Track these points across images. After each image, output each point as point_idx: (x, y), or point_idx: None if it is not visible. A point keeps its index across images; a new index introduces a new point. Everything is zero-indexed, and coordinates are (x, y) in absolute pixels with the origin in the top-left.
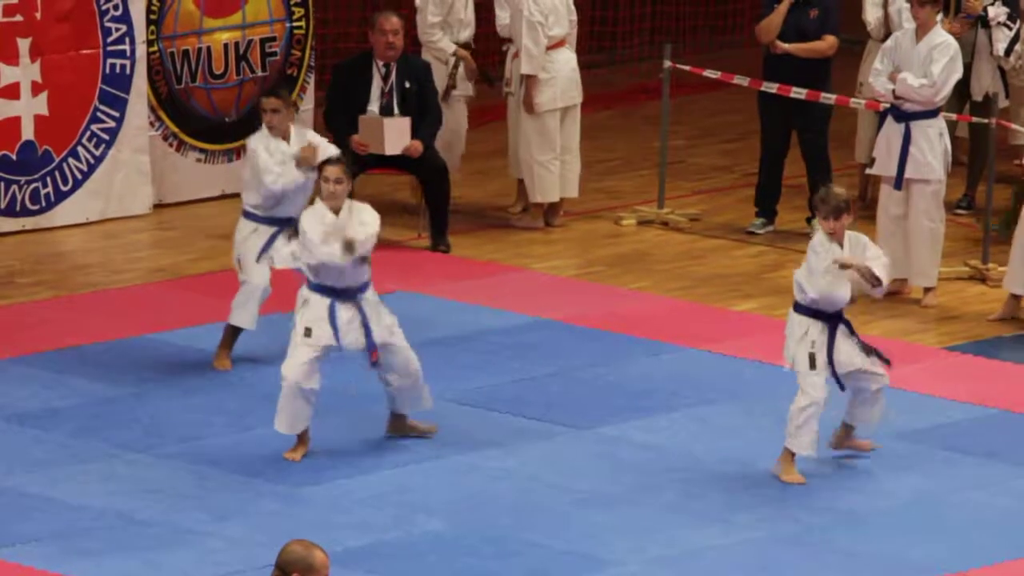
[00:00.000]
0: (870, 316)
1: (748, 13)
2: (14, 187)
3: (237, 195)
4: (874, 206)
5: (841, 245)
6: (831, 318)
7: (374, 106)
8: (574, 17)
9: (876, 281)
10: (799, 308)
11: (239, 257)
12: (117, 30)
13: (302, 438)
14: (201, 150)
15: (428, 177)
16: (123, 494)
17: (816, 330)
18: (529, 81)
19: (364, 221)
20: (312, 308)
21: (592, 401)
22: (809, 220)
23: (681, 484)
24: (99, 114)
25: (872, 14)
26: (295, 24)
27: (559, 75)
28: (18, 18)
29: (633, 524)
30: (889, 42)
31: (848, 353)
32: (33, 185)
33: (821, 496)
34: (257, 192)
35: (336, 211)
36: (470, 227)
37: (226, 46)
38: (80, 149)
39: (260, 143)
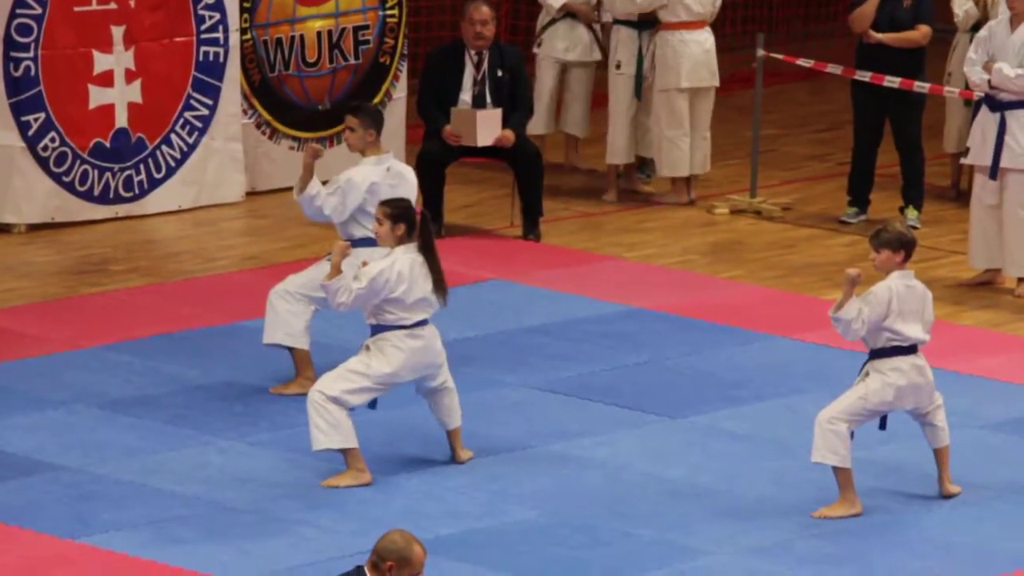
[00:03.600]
0: (962, 306)
1: (842, 2)
2: (107, 174)
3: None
4: (966, 196)
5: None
6: None
7: (466, 95)
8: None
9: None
10: None
11: None
12: (211, 18)
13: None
14: (294, 138)
15: (520, 165)
16: (216, 482)
17: None
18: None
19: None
20: None
21: (684, 390)
22: (902, 210)
23: (772, 473)
24: (192, 102)
25: (960, 6)
26: (388, 12)
27: (687, 55)
28: (112, 6)
29: (724, 513)
30: (983, 31)
31: None
32: (126, 172)
33: (914, 486)
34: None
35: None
36: (562, 215)
37: (319, 34)
38: (173, 137)
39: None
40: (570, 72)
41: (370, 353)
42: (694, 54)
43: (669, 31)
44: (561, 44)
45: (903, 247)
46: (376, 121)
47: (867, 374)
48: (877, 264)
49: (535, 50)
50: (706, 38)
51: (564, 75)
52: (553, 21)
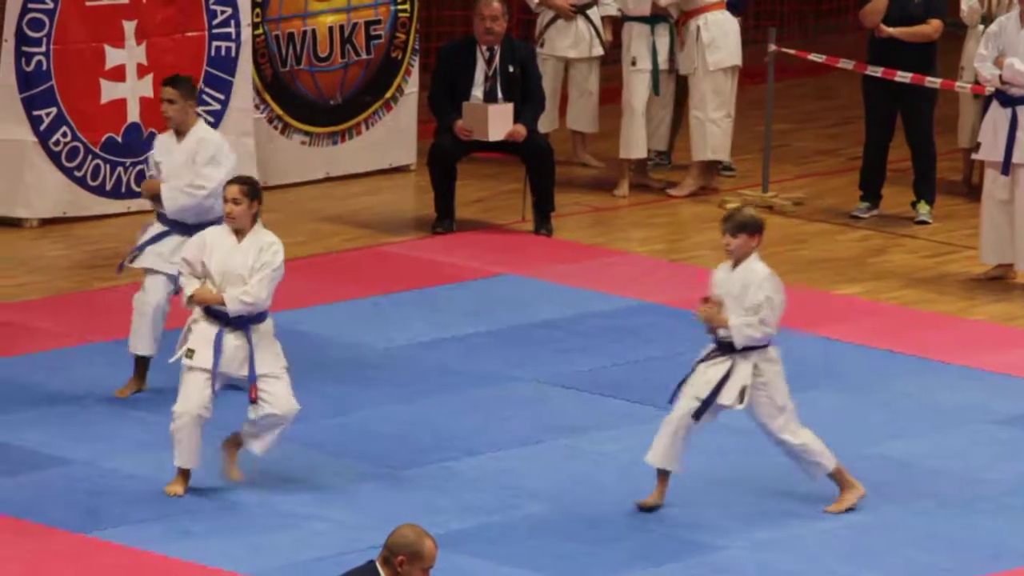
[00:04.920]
0: (974, 301)
1: None
2: (119, 169)
3: (342, 178)
4: (979, 191)
5: (734, 267)
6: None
7: (478, 90)
8: None
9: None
10: None
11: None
12: (222, 12)
13: (185, 472)
14: (305, 133)
15: (532, 159)
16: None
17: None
18: None
19: (264, 263)
20: (200, 330)
21: None
22: (914, 204)
23: (785, 468)
24: (204, 97)
25: (966, 2)
26: (400, 7)
27: (733, 33)
28: (124, 0)
29: (737, 508)
30: (993, 27)
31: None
32: (139, 167)
33: (925, 482)
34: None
35: (239, 236)
36: (573, 210)
37: (331, 29)
38: None
39: (161, 140)
40: (573, 68)
41: (277, 352)
42: (732, 33)
43: (710, 12)
44: (564, 42)
45: (758, 231)
46: (194, 92)
47: (756, 366)
48: (733, 249)
49: (538, 49)
50: (733, 18)
51: (566, 72)
52: (554, 19)
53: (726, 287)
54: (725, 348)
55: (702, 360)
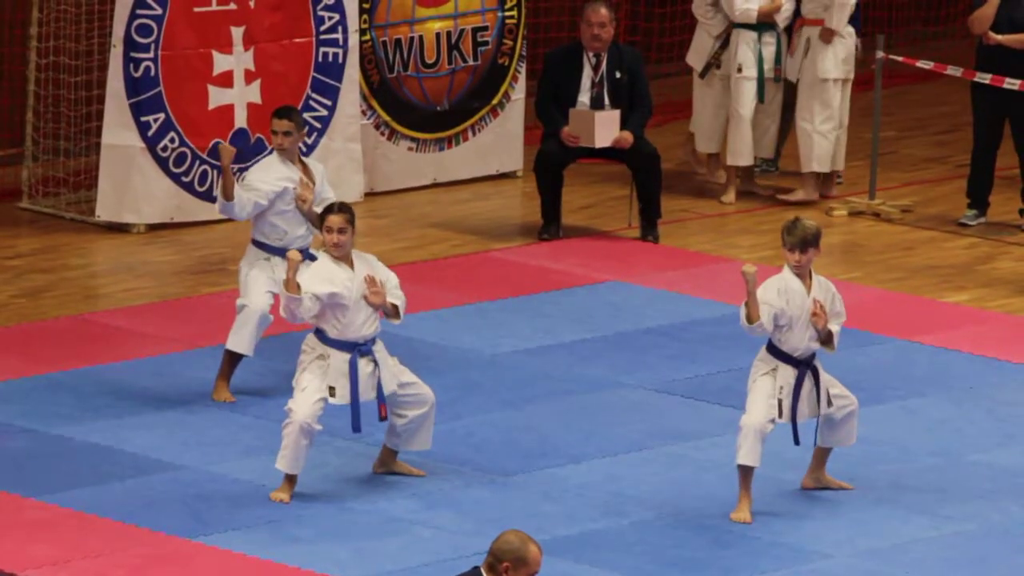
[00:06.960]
0: None
1: (961, 4)
2: None
3: (448, 184)
4: None
5: (807, 284)
6: (800, 364)
7: (584, 96)
8: None
9: (829, 346)
10: (770, 348)
11: (244, 280)
12: (330, 19)
13: (292, 478)
14: (412, 139)
15: (638, 166)
16: (333, 481)
17: (787, 374)
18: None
19: (388, 278)
20: (334, 364)
21: None
22: (1021, 211)
23: (891, 476)
24: (311, 102)
25: None
26: (507, 13)
27: (844, 46)
28: (232, 6)
29: (842, 516)
30: None
31: (811, 405)
32: (245, 173)
33: None
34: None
35: (346, 262)
36: (680, 217)
37: (438, 35)
38: None
39: (279, 169)
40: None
41: (396, 361)
42: (848, 45)
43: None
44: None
45: (817, 240)
46: (303, 120)
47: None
48: (804, 263)
49: (716, 71)
50: (853, 31)
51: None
52: (727, 41)
53: (812, 298)
54: (802, 364)
55: (796, 393)
